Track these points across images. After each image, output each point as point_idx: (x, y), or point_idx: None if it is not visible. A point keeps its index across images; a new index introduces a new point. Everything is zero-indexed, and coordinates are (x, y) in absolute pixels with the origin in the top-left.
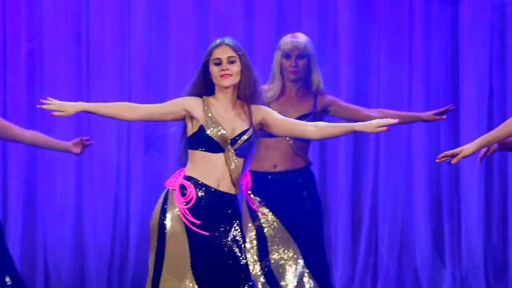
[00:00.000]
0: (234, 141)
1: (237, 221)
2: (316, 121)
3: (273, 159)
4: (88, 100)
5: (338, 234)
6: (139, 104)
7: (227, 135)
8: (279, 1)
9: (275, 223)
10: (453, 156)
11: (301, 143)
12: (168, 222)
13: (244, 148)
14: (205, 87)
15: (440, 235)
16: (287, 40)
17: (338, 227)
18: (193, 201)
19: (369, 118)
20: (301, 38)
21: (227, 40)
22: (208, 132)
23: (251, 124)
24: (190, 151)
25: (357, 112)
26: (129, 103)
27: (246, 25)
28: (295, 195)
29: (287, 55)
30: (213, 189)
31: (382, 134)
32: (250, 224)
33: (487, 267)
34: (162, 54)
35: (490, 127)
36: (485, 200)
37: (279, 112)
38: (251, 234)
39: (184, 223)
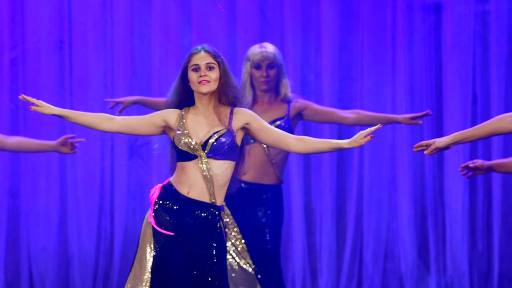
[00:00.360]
0: (205, 144)
1: (213, 234)
2: (291, 126)
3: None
4: (72, 108)
5: (323, 242)
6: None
7: (194, 142)
8: (262, 8)
9: (234, 230)
10: (428, 146)
11: (279, 154)
12: (143, 227)
13: (217, 149)
14: (185, 93)
15: (425, 243)
16: (256, 50)
17: (323, 235)
18: (152, 204)
19: (344, 120)
20: (270, 48)
21: (206, 46)
22: (176, 142)
23: (227, 126)
24: (177, 164)
25: (332, 115)
26: (107, 114)
27: (228, 32)
28: (256, 211)
29: (257, 66)
30: (182, 196)
31: (366, 143)
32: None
33: (472, 275)
34: (145, 61)
35: None
36: (469, 207)
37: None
38: None
39: (152, 228)
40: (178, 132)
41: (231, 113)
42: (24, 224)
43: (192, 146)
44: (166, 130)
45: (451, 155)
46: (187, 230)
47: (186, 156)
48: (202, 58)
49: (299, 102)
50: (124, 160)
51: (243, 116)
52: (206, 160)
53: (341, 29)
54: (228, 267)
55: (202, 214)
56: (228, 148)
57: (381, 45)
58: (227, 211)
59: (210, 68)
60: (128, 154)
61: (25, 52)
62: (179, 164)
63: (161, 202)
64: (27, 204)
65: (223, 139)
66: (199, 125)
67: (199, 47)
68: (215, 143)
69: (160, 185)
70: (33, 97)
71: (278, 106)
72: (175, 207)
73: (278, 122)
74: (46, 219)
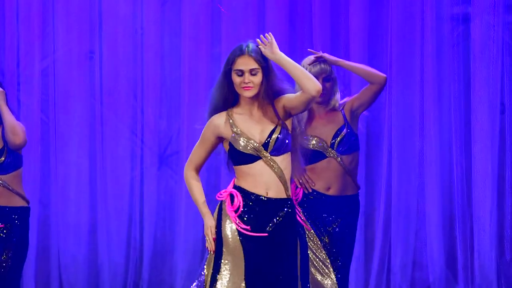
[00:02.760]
0: (266, 144)
1: (293, 226)
2: (353, 129)
3: (326, 180)
4: (101, 117)
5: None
6: (192, 167)
7: (257, 144)
8: (291, 21)
9: (316, 243)
10: None
11: (349, 157)
12: (223, 233)
13: (279, 147)
14: (230, 93)
15: (452, 252)
16: (309, 64)
17: None
18: (241, 208)
19: (370, 87)
20: (324, 63)
21: (249, 49)
22: (237, 147)
23: (278, 121)
24: (234, 168)
25: (365, 91)
26: (193, 174)
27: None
28: (338, 222)
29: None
30: (262, 197)
31: (395, 153)
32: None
33: (500, 284)
34: (175, 71)
35: (502, 145)
36: (497, 217)
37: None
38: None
39: (238, 232)
40: (235, 136)
41: (273, 106)
42: (54, 233)
43: (254, 148)
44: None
45: (479, 164)
46: (275, 229)
47: (249, 158)
48: (245, 63)
49: (346, 104)
50: (154, 170)
51: (280, 103)
52: (270, 158)
53: (369, 39)
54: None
55: (285, 210)
56: (288, 142)
57: (409, 55)
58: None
59: (254, 73)
60: (157, 164)
61: (56, 63)
62: (240, 167)
63: (244, 208)
64: (58, 214)
65: (281, 136)
66: (251, 125)
67: (243, 48)
68: (276, 142)
69: (229, 191)
70: (64, 107)
71: (334, 116)
72: (257, 209)
73: (343, 132)
74: (76, 228)
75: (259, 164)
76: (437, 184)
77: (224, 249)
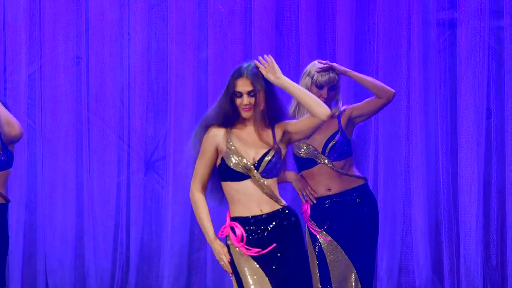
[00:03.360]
0: (257, 165)
1: (297, 232)
2: (347, 136)
3: (324, 183)
4: (88, 123)
5: None
6: (197, 186)
7: (248, 163)
8: (278, 25)
9: (334, 246)
10: None
11: (341, 162)
12: (239, 269)
13: (270, 169)
14: (231, 112)
15: (439, 257)
16: (317, 71)
17: None
18: (245, 236)
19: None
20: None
21: (247, 71)
22: (229, 163)
23: (274, 144)
24: (222, 183)
25: (368, 103)
26: (199, 199)
27: (245, 48)
28: (352, 214)
29: (320, 86)
30: (259, 216)
31: (381, 158)
32: (315, 261)
33: None
34: (161, 77)
35: (488, 150)
36: (483, 222)
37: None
38: (313, 265)
39: (252, 257)
40: (228, 152)
41: (273, 130)
42: (41, 238)
43: (245, 166)
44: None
45: (465, 170)
46: (279, 242)
47: (238, 176)
48: (243, 85)
49: (345, 110)
50: (141, 175)
51: (281, 126)
52: (259, 178)
53: (356, 44)
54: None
55: (284, 223)
56: (279, 167)
57: (396, 61)
58: (324, 234)
59: (251, 95)
60: (144, 169)
61: (43, 68)
62: (228, 184)
63: (248, 235)
64: (44, 219)
65: (274, 160)
66: (247, 144)
67: (242, 69)
68: (268, 164)
69: (228, 224)
70: (51, 112)
71: (329, 122)
72: (261, 228)
73: (335, 140)
74: (63, 233)
75: (247, 183)
76: (423, 189)
77: (244, 276)
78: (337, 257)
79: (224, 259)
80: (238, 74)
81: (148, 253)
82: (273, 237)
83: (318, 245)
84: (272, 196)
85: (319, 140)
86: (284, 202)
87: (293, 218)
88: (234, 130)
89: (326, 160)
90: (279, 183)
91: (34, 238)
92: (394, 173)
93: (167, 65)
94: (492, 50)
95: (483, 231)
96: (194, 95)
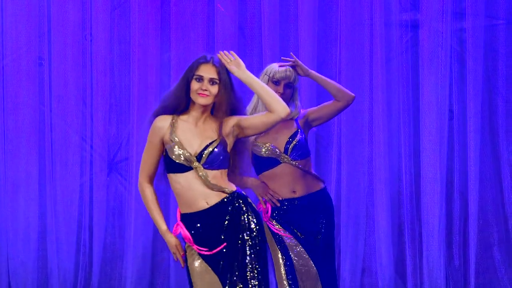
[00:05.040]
0: (199, 156)
1: (247, 215)
2: (305, 137)
3: (288, 185)
4: (51, 124)
5: None
6: (144, 177)
7: (189, 154)
8: (241, 26)
9: (298, 248)
10: None
11: (303, 161)
12: (189, 263)
13: (212, 160)
14: (183, 98)
15: (402, 258)
16: (278, 68)
17: None
18: (191, 239)
19: (334, 103)
20: (289, 68)
21: (214, 59)
22: (171, 155)
23: (219, 135)
24: (168, 176)
25: (326, 106)
26: (147, 189)
27: (207, 49)
28: (313, 220)
29: (276, 82)
30: (204, 210)
31: (344, 159)
32: (279, 255)
33: None
34: (124, 78)
35: (450, 151)
36: (446, 223)
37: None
38: (281, 270)
39: (201, 257)
40: (170, 145)
41: (221, 122)
42: (3, 239)
43: (186, 158)
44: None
45: (428, 170)
46: (226, 233)
47: (181, 167)
48: (208, 71)
49: (302, 113)
50: (103, 176)
51: (230, 120)
52: (202, 170)
53: (319, 45)
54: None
55: (229, 208)
56: (222, 158)
57: (359, 62)
58: (286, 232)
59: (212, 83)
60: (107, 170)
61: (5, 69)
62: (172, 176)
63: (193, 232)
64: (7, 219)
65: (217, 150)
66: (191, 135)
67: (208, 56)
68: (211, 155)
69: (179, 224)
70: (13, 113)
71: (288, 123)
72: (205, 223)
73: (297, 138)
74: (26, 234)
75: (190, 174)
76: (386, 191)
77: (194, 281)
78: (304, 264)
79: (178, 253)
80: (204, 60)
81: (111, 254)
82: (220, 230)
83: (282, 244)
84: (215, 188)
85: (280, 140)
86: (232, 189)
87: (240, 201)
88: (180, 121)
89: (289, 159)
90: (240, 187)
91: None
92: (357, 174)
93: (130, 66)
94: (454, 52)
95: (445, 232)
96: (156, 96)
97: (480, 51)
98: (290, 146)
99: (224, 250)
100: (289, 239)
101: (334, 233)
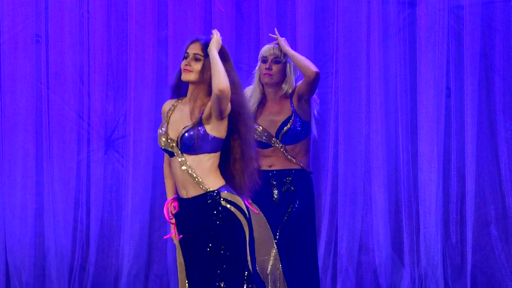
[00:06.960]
0: (178, 141)
1: (217, 223)
2: (302, 119)
3: (269, 161)
4: (48, 101)
5: None
6: (165, 161)
7: (166, 140)
8: (238, 5)
9: (263, 222)
10: None
11: (295, 148)
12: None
13: (186, 143)
14: (177, 81)
15: (399, 235)
16: (266, 47)
17: None
18: (168, 219)
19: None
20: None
21: (201, 38)
22: (159, 142)
23: (196, 119)
24: None
25: (302, 81)
26: (166, 175)
27: (205, 28)
28: (286, 194)
29: (264, 59)
30: (183, 198)
31: (341, 137)
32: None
33: (445, 267)
34: (121, 55)
35: (448, 128)
36: (443, 200)
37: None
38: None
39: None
40: (161, 131)
41: (203, 104)
42: (0, 217)
43: (166, 143)
44: None
45: (425, 148)
46: (200, 227)
47: (168, 152)
48: (192, 48)
49: (295, 89)
50: (101, 153)
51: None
52: (181, 155)
53: (316, 23)
54: None
55: (202, 207)
56: (199, 141)
57: (356, 39)
58: (255, 206)
59: (196, 59)
60: (104, 147)
61: (2, 46)
62: (168, 160)
63: (177, 214)
64: (4, 197)
65: (190, 133)
66: (178, 120)
67: (199, 36)
68: (183, 138)
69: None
70: (10, 91)
71: (283, 105)
72: (183, 211)
73: (289, 125)
74: (23, 212)
75: (175, 159)
76: (383, 168)
77: (177, 255)
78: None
79: (172, 230)
80: (194, 39)
81: (108, 232)
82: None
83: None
84: (193, 177)
85: (273, 125)
86: (212, 187)
87: (218, 203)
88: (180, 104)
89: (279, 144)
90: None
91: None
92: (354, 151)
93: (127, 44)
94: (451, 29)
95: (442, 209)
96: (154, 73)
97: (478, 29)
98: (282, 132)
99: (190, 249)
100: (255, 215)
101: (314, 218)
